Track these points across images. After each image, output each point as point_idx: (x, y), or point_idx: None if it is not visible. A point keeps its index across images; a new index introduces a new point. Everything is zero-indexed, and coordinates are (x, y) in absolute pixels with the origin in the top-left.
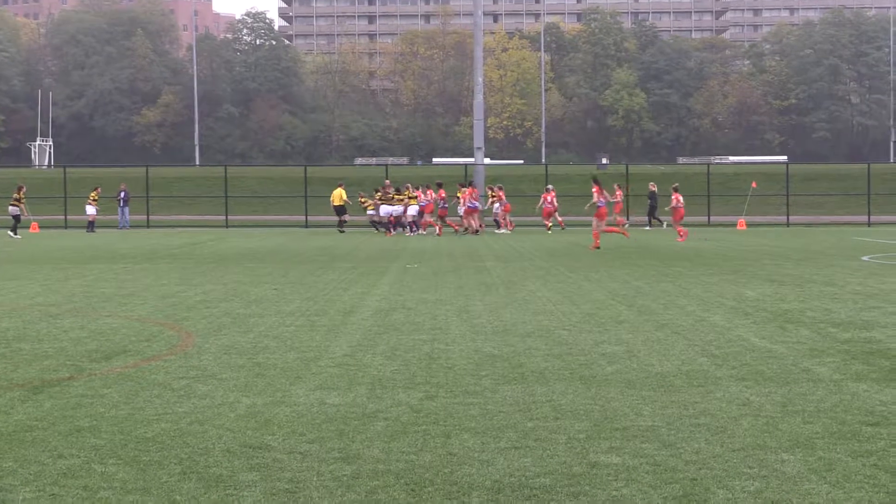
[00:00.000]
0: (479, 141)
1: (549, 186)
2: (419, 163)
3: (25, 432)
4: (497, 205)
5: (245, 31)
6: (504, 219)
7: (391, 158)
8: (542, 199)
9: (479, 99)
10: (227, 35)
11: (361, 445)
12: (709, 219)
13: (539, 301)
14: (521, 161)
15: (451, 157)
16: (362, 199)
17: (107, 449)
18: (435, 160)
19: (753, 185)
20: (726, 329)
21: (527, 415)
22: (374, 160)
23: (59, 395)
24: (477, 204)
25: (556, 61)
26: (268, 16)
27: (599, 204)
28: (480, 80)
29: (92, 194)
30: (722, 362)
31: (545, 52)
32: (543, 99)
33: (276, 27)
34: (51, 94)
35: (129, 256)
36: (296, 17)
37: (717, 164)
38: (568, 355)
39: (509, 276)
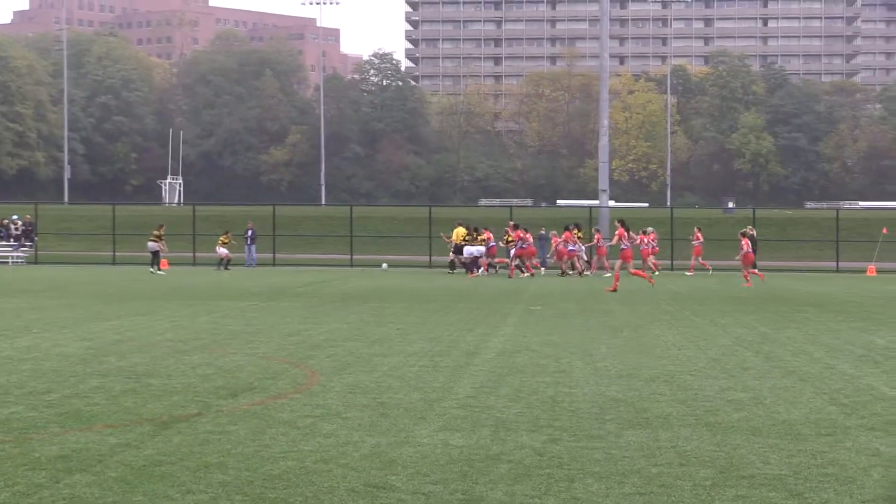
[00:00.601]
0: (603, 183)
1: (649, 228)
2: (543, 204)
3: (155, 467)
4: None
5: (372, 71)
6: (595, 263)
7: (515, 200)
8: (638, 240)
9: (604, 141)
10: (355, 75)
11: (485, 487)
12: (837, 265)
13: (664, 345)
14: (647, 204)
15: (576, 199)
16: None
17: (234, 485)
18: (559, 202)
19: (884, 231)
20: (855, 377)
21: (651, 460)
22: (497, 201)
23: (188, 431)
24: (576, 247)
25: (682, 104)
26: (395, 57)
27: (623, 247)
28: (606, 122)
29: (222, 238)
30: (851, 411)
31: (671, 94)
32: (669, 142)
33: (402, 68)
34: (181, 132)
35: (256, 294)
36: (422, 58)
37: (847, 209)
38: (693, 401)
39: (634, 320)
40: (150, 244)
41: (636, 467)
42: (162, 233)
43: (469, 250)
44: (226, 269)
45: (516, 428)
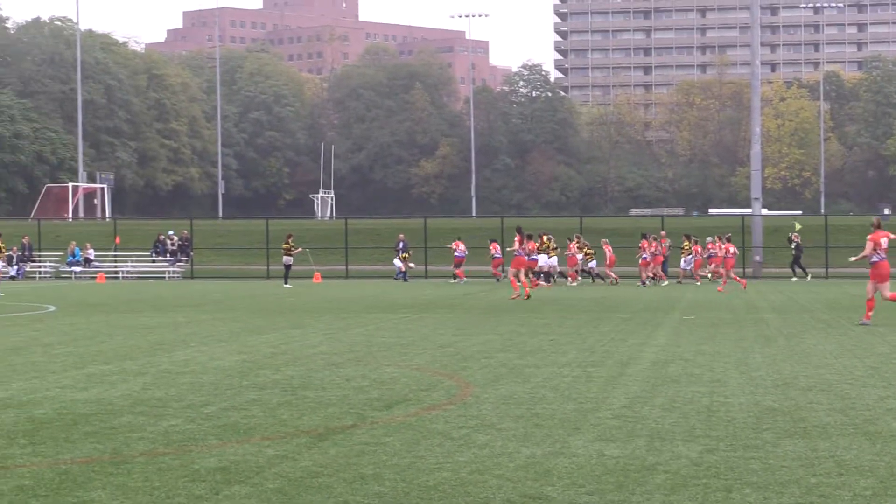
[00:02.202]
0: (756, 191)
1: (664, 233)
2: (695, 213)
3: (312, 478)
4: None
5: (521, 83)
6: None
7: (666, 209)
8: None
9: (756, 149)
10: (504, 87)
11: (641, 498)
12: None
13: (820, 354)
14: (800, 212)
15: (728, 207)
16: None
17: (390, 497)
18: (711, 211)
19: None
20: None
21: (810, 470)
22: (649, 211)
23: (343, 443)
24: (647, 255)
25: (835, 110)
26: (544, 67)
27: (517, 253)
28: (758, 129)
29: (403, 255)
30: None
31: (824, 100)
32: (822, 149)
33: (552, 79)
34: (333, 147)
35: (407, 306)
36: (571, 68)
37: None
38: (851, 410)
39: (788, 329)
40: (285, 258)
41: (794, 477)
42: (291, 244)
43: (543, 260)
44: (404, 280)
45: (672, 438)
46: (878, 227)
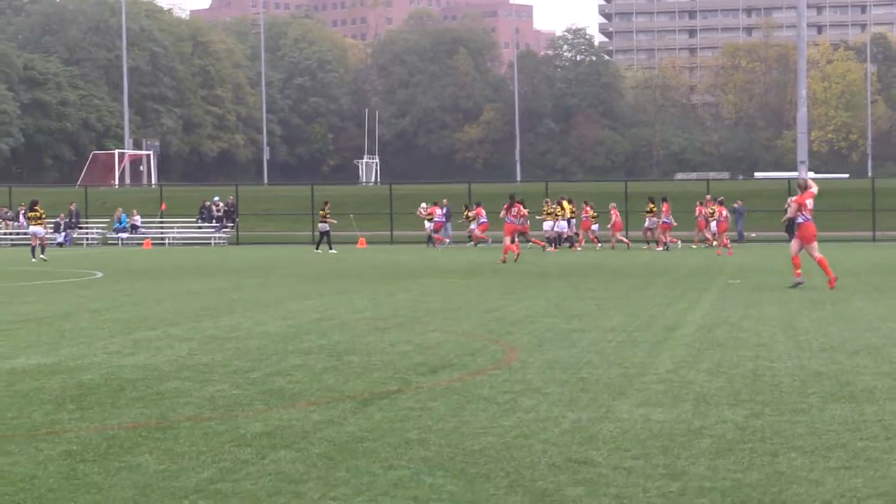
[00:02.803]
0: (802, 155)
1: (709, 197)
2: (741, 177)
3: (357, 443)
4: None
5: (565, 47)
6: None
7: (712, 173)
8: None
9: (802, 112)
10: (548, 51)
11: (687, 462)
12: None
13: (867, 318)
14: (846, 175)
15: (774, 171)
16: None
17: (435, 461)
18: (757, 174)
19: None
20: None
21: (856, 434)
22: (694, 175)
23: (388, 408)
24: (670, 220)
25: (882, 72)
26: (588, 31)
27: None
28: (804, 92)
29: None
30: None
31: (871, 63)
32: (869, 111)
33: (596, 43)
34: (377, 112)
35: (453, 271)
36: (616, 32)
37: None
38: None
39: (835, 293)
40: (321, 225)
41: (841, 441)
42: (327, 210)
43: (548, 224)
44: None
45: (717, 402)
46: (804, 188)
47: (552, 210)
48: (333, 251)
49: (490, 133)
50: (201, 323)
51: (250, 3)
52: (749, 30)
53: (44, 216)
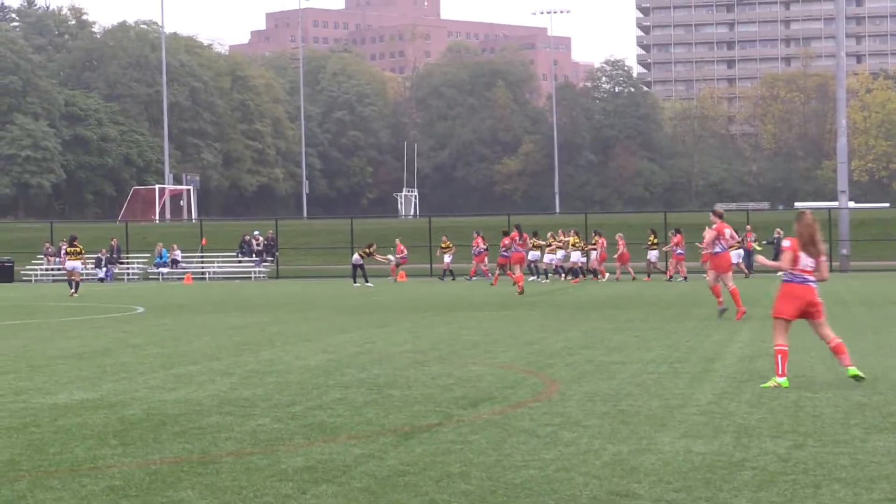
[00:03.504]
0: (842, 184)
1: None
2: (780, 207)
3: (398, 477)
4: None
5: (604, 78)
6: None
7: (751, 203)
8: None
9: (842, 141)
10: (587, 83)
11: (729, 495)
12: None
13: None
14: (888, 204)
15: (814, 200)
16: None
17: (476, 495)
18: (797, 204)
19: None
20: None
21: None
22: (733, 205)
23: (429, 441)
24: (682, 251)
25: None
26: (626, 63)
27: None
28: (844, 122)
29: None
30: None
31: None
32: None
33: (634, 74)
34: (416, 145)
35: (490, 305)
36: (654, 63)
37: None
38: None
39: (876, 322)
40: (355, 257)
41: (885, 473)
42: (371, 251)
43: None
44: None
45: (759, 434)
46: (721, 217)
47: (560, 242)
48: (370, 284)
49: (529, 165)
50: (242, 357)
51: (289, 38)
52: (788, 60)
53: (83, 252)
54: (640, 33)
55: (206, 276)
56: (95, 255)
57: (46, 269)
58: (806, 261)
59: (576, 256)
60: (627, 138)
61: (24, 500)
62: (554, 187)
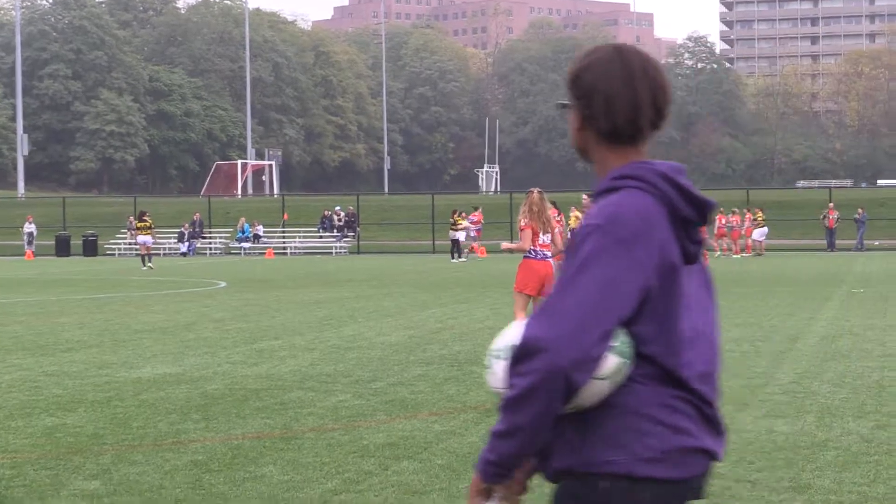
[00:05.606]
0: None
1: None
2: (864, 185)
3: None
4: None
5: (686, 55)
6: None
7: (834, 181)
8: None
9: None
10: (669, 59)
11: (812, 475)
12: None
13: None
14: None
15: None
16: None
17: None
18: (880, 182)
19: None
20: None
21: None
22: (816, 183)
23: None
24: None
25: None
26: (709, 39)
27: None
28: None
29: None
30: None
31: None
32: None
33: (717, 50)
34: (497, 121)
35: None
36: (737, 39)
37: None
38: None
39: None
40: (451, 232)
41: None
42: (458, 219)
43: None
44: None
45: (842, 414)
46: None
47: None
48: (463, 259)
49: None
50: (323, 333)
51: (371, 14)
52: (872, 36)
53: (152, 226)
54: (724, 9)
55: (288, 251)
56: (178, 230)
57: (130, 244)
58: (543, 237)
59: None
60: (710, 115)
61: (108, 474)
62: None
